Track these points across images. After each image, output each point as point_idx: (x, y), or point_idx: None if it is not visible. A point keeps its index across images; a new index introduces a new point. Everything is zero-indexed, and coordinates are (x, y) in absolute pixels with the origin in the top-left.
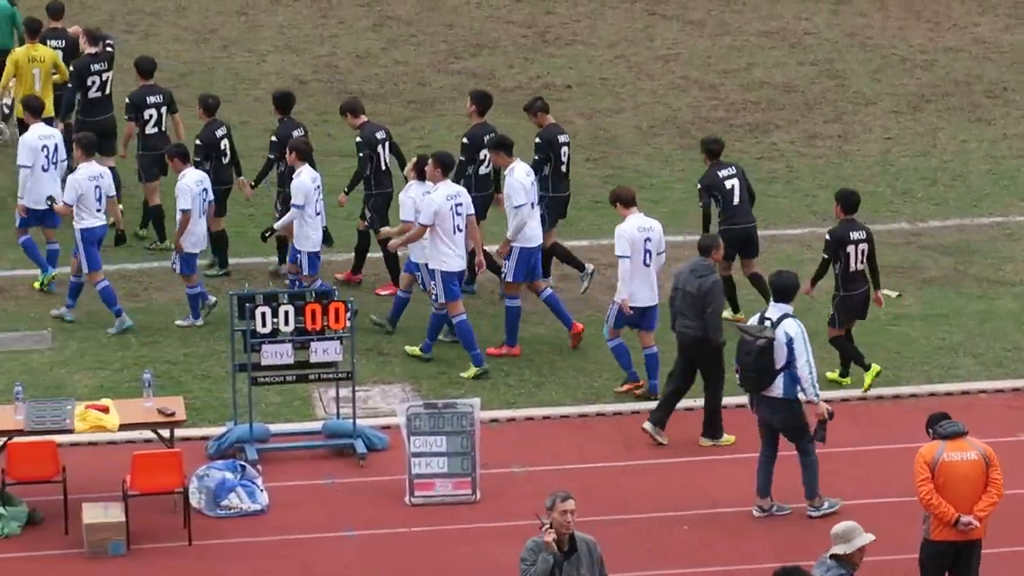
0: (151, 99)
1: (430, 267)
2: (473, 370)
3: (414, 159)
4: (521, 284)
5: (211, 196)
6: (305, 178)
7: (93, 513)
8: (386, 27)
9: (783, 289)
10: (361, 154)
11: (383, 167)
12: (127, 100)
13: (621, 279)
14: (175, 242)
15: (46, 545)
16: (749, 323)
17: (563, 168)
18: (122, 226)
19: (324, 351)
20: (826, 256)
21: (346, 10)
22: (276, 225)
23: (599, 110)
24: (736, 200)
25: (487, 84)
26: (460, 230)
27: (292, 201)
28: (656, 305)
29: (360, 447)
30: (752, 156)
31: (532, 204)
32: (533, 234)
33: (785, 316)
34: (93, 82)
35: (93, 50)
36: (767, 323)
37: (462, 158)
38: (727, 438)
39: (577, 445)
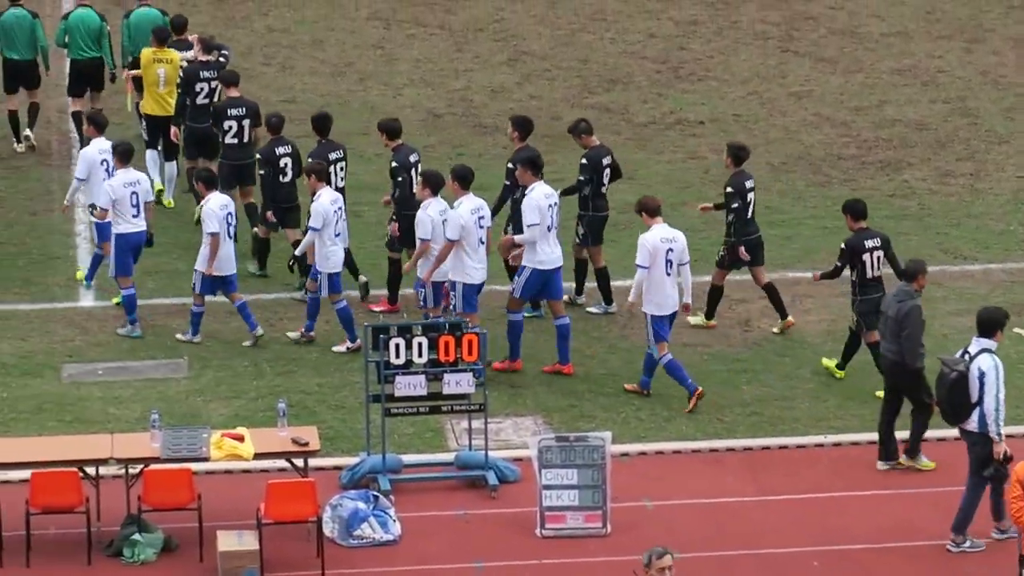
0: (232, 111)
1: (451, 278)
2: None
3: (420, 178)
4: (525, 301)
5: (235, 219)
6: (324, 200)
7: (227, 541)
8: (520, 62)
9: (986, 323)
10: (399, 178)
11: (413, 190)
12: (211, 109)
13: (635, 286)
14: (207, 266)
15: (181, 572)
16: (952, 356)
17: (603, 189)
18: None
19: (457, 383)
20: (839, 264)
21: (481, 45)
22: (296, 251)
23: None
24: (750, 212)
25: (620, 119)
26: (483, 243)
27: (310, 223)
28: (676, 312)
29: (492, 479)
30: (883, 193)
31: (549, 228)
32: (547, 257)
33: (984, 351)
34: (201, 88)
35: (206, 58)
36: (966, 356)
37: (507, 182)
38: (926, 463)
39: (707, 479)
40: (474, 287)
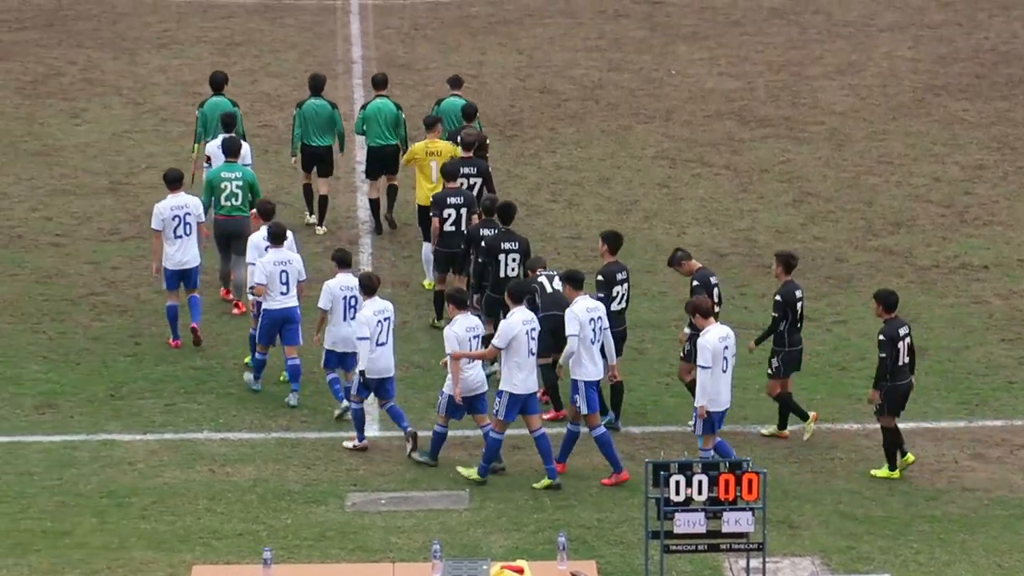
0: (452, 200)
1: (501, 387)
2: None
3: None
4: (584, 414)
5: (357, 300)
6: (368, 311)
7: None
8: (805, 203)
9: None
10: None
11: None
12: (431, 198)
13: (701, 388)
14: (316, 337)
15: None
16: None
17: (799, 324)
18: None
19: (736, 521)
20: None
21: (766, 185)
22: (360, 367)
23: (1016, 291)
24: (800, 321)
25: (904, 261)
26: (532, 353)
27: (357, 334)
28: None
29: None
30: None
31: (591, 340)
32: (590, 369)
33: None
34: (460, 183)
35: (466, 155)
36: None
37: (600, 295)
38: None
39: None
40: (519, 398)
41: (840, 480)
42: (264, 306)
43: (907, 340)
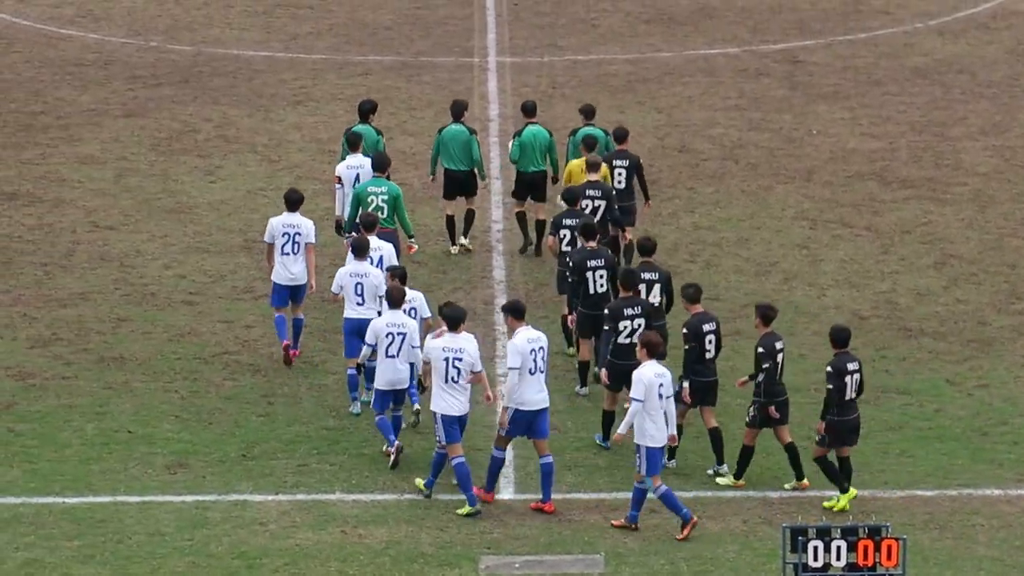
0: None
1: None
2: (467, 508)
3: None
4: (510, 439)
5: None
6: (520, 340)
7: None
8: (948, 265)
9: None
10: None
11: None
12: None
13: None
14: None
15: None
16: None
17: (779, 375)
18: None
19: None
20: (766, 365)
21: (908, 247)
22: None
23: None
24: (779, 373)
25: None
26: (539, 372)
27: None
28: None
29: None
30: None
31: (531, 371)
32: (525, 399)
33: None
34: (585, 206)
35: (594, 177)
36: None
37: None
38: None
39: None
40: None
41: (981, 547)
42: (344, 315)
43: (856, 376)
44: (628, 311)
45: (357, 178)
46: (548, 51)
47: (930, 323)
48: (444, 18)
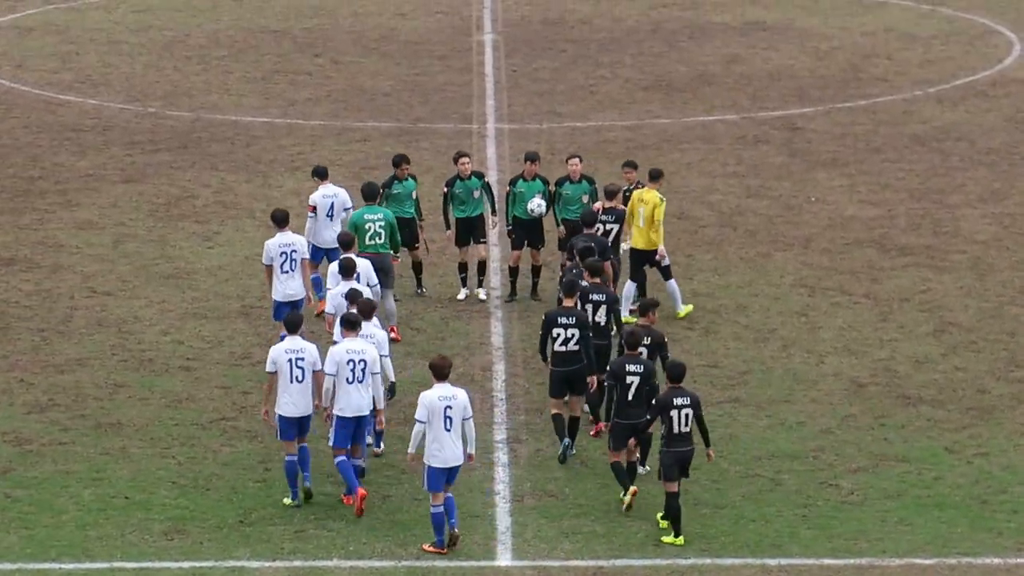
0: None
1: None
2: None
3: None
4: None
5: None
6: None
7: None
8: (947, 333)
9: None
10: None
11: (629, 398)
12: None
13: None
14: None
15: None
16: None
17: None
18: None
19: None
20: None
21: (907, 315)
22: None
23: None
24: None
25: None
26: (448, 430)
27: None
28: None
29: None
30: None
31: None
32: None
33: None
34: (597, 229)
35: (609, 204)
36: None
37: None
38: None
39: None
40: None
41: None
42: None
43: (686, 412)
44: (563, 320)
45: (331, 206)
46: (547, 118)
47: (929, 391)
48: (443, 84)
